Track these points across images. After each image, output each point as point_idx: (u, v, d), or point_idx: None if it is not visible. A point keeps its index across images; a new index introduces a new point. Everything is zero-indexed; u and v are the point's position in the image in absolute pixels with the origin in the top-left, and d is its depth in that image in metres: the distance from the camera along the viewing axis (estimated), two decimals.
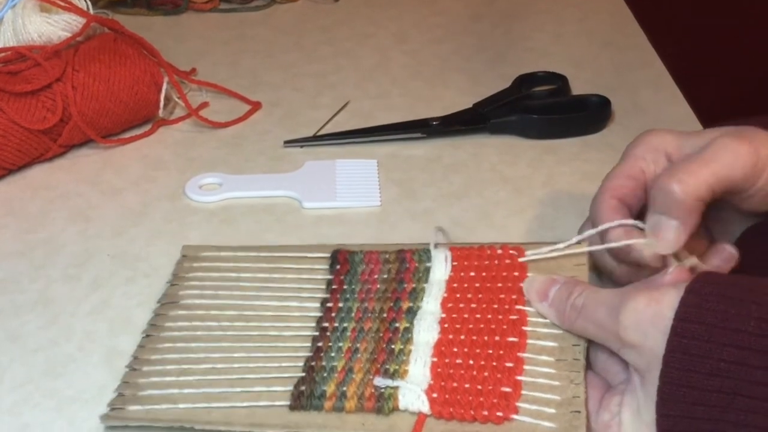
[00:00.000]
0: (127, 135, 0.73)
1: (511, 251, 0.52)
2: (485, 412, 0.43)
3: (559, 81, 0.78)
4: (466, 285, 0.50)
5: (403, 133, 0.73)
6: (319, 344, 0.48)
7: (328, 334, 0.49)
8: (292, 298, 0.52)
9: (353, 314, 0.50)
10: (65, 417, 0.49)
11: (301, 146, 0.72)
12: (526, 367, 0.45)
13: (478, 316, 0.48)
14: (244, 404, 0.45)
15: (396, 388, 0.45)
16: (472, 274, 0.51)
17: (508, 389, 0.44)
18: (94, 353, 0.53)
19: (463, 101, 0.76)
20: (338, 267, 0.53)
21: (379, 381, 0.45)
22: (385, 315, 0.49)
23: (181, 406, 0.46)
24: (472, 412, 0.43)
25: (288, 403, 0.45)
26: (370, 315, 0.49)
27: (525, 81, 0.78)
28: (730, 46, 1.47)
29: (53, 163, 0.71)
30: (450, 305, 0.49)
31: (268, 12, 0.95)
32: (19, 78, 0.67)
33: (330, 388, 0.46)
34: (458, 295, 0.50)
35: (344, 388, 0.45)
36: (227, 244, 0.60)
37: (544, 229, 0.62)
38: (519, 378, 0.45)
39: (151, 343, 0.50)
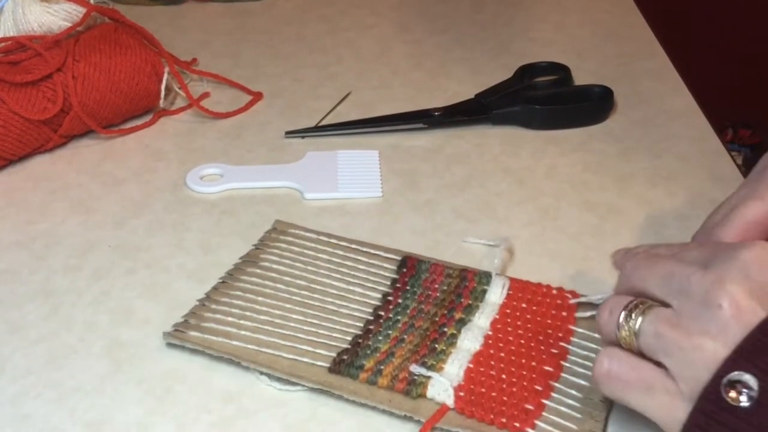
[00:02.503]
0: (128, 125, 0.73)
1: (565, 294, 0.54)
2: (504, 420, 0.46)
3: (561, 71, 0.78)
4: (518, 313, 0.53)
5: (404, 124, 0.72)
6: (371, 327, 0.52)
7: (381, 321, 0.52)
8: (357, 284, 0.55)
9: (409, 311, 0.53)
10: (66, 408, 0.48)
11: (303, 137, 0.72)
12: (553, 394, 0.47)
13: (522, 341, 0.51)
14: (289, 356, 0.50)
15: (428, 378, 0.48)
16: (524, 305, 0.53)
17: (531, 407, 0.46)
18: (95, 344, 0.53)
19: (465, 91, 0.75)
20: (405, 270, 0.56)
21: (415, 368, 0.48)
22: (437, 319, 0.52)
23: (234, 342, 0.51)
24: (492, 417, 0.46)
25: (328, 365, 0.49)
26: (423, 315, 0.52)
27: (527, 71, 0.78)
28: (734, 36, 1.46)
29: (54, 153, 0.70)
30: (499, 326, 0.52)
31: (269, 2, 0.95)
32: (19, 68, 0.67)
33: (369, 363, 0.49)
34: (509, 320, 0.52)
35: (381, 367, 0.49)
36: (228, 235, 0.61)
37: (546, 220, 0.62)
38: (544, 401, 0.47)
39: (223, 288, 0.55)
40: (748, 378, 0.38)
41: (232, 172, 0.67)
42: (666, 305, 0.42)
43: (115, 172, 0.68)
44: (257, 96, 0.77)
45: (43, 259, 0.60)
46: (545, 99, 0.73)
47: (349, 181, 0.66)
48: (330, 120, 0.74)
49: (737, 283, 0.39)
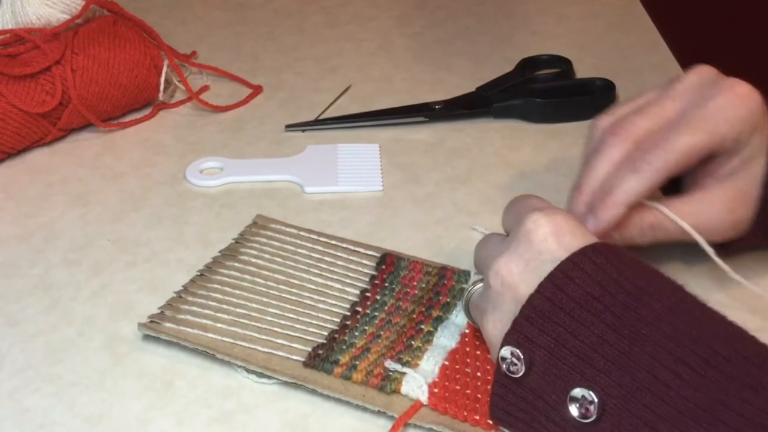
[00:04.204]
0: (127, 119, 0.73)
1: None
2: (477, 417, 0.46)
3: (563, 64, 0.77)
4: None
5: (405, 117, 0.72)
6: (347, 322, 0.52)
7: (358, 317, 0.52)
8: (336, 280, 0.55)
9: (386, 307, 0.53)
10: (65, 402, 0.48)
11: (303, 130, 0.72)
12: None
13: None
14: (265, 349, 0.50)
15: (403, 374, 0.48)
16: None
17: None
18: (94, 338, 0.52)
19: (466, 85, 0.75)
20: (384, 267, 0.56)
21: (390, 364, 0.48)
22: (414, 316, 0.52)
23: (209, 335, 0.51)
24: (465, 413, 0.46)
25: (303, 359, 0.49)
26: (401, 312, 0.52)
27: (529, 64, 0.77)
28: (736, 30, 1.46)
29: (53, 147, 0.70)
30: None
31: None
32: (17, 61, 0.67)
33: (344, 358, 0.49)
34: None
35: (356, 362, 0.49)
36: (228, 228, 0.60)
37: None
38: None
39: (200, 281, 0.55)
40: None
41: (232, 166, 0.67)
42: None
43: (114, 165, 0.68)
44: (257, 89, 0.77)
45: (42, 252, 0.59)
46: (547, 92, 0.73)
47: (349, 175, 0.66)
48: (330, 113, 0.74)
49: None
